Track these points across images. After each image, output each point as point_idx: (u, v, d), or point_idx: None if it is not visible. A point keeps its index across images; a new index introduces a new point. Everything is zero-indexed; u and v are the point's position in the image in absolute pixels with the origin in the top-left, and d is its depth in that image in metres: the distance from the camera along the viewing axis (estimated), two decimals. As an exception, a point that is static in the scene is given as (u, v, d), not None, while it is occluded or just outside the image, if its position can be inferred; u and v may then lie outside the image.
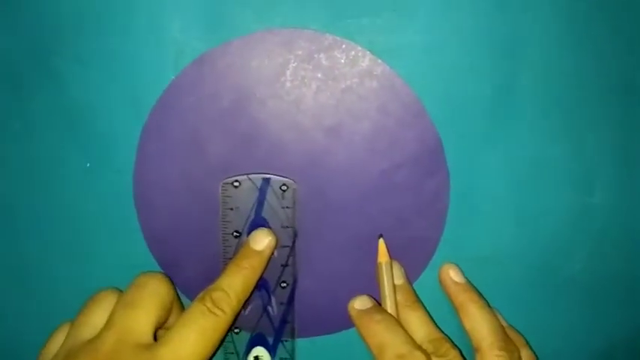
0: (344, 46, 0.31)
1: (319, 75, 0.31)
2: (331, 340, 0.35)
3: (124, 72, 0.32)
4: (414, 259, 0.33)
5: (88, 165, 0.33)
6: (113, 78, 0.32)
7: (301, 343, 0.35)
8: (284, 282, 0.33)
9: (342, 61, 0.31)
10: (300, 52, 0.31)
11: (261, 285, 0.33)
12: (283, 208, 0.32)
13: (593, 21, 0.32)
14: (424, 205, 0.33)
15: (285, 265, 0.33)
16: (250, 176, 0.32)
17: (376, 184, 0.32)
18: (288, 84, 0.31)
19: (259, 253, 0.31)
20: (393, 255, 0.33)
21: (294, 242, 0.33)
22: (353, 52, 0.31)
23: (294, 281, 0.34)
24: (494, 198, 0.33)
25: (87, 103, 0.32)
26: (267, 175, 0.32)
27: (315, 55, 0.31)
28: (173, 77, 0.31)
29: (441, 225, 0.33)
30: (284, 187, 0.32)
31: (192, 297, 0.34)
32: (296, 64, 0.31)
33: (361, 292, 0.32)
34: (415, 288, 0.34)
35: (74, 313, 0.30)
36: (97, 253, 0.34)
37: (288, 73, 0.31)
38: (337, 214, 0.33)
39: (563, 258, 0.34)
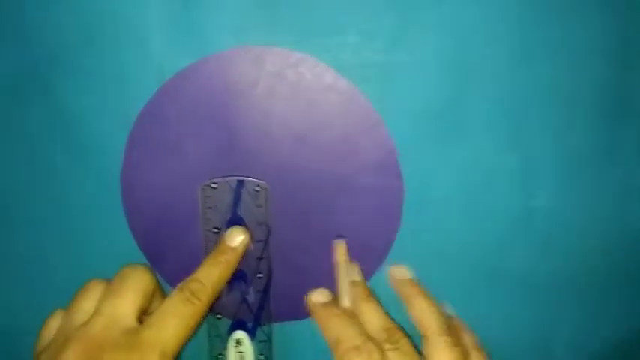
0: (309, 62, 0.34)
1: (287, 89, 0.35)
2: (303, 325, 0.39)
3: (111, 85, 0.35)
4: (372, 255, 0.37)
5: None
6: (102, 90, 0.35)
7: (277, 327, 0.39)
8: (260, 273, 0.37)
9: (308, 76, 0.34)
10: (270, 68, 0.34)
11: (239, 276, 0.37)
12: (257, 206, 0.36)
13: (538, 38, 0.35)
14: (382, 207, 0.36)
15: (260, 258, 0.37)
16: (227, 179, 0.36)
17: (339, 187, 0.36)
18: (259, 96, 0.35)
19: (234, 248, 0.35)
20: (352, 252, 0.36)
21: (267, 237, 0.37)
22: (317, 68, 0.34)
23: (269, 272, 0.37)
24: (445, 201, 0.36)
25: (78, 113, 0.36)
26: (242, 178, 0.36)
27: (284, 71, 0.34)
28: (156, 89, 0.35)
29: (397, 225, 0.36)
30: (257, 189, 0.36)
31: (175, 286, 0.38)
32: (266, 78, 0.34)
33: (326, 284, 0.36)
34: (372, 283, 0.37)
35: (67, 302, 0.34)
36: (89, 248, 0.38)
37: (259, 86, 0.35)
38: (304, 214, 0.36)
39: (507, 255, 0.38)
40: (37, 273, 0.39)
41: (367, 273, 0.37)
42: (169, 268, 0.38)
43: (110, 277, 0.34)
